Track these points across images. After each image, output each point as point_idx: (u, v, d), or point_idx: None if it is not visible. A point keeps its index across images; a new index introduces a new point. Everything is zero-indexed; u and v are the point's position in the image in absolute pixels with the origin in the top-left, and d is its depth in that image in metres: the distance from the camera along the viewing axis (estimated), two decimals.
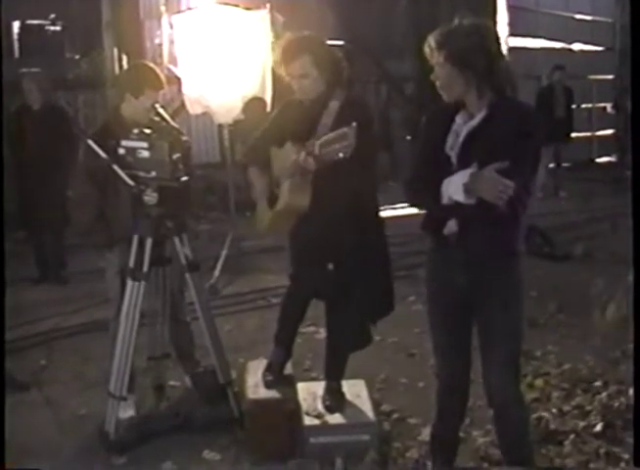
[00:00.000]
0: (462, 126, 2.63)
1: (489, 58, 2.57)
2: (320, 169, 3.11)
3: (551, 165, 10.31)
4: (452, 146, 2.62)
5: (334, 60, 3.36)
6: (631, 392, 3.70)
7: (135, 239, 3.41)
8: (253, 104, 6.43)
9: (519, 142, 2.52)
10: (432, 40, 2.59)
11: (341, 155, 2.93)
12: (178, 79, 6.77)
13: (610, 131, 14.24)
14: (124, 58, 9.01)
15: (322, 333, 4.03)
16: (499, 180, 2.39)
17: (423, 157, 2.74)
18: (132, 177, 3.38)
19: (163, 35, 8.23)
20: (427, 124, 2.77)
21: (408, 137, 10.57)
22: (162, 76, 3.89)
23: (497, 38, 2.67)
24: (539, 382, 4.07)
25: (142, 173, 3.36)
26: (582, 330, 4.87)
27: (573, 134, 10.77)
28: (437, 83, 2.62)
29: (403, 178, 2.78)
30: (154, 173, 3.33)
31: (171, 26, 7.35)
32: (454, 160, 2.62)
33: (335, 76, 3.33)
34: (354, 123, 2.89)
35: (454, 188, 2.51)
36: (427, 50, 2.61)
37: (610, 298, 5.06)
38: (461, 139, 2.62)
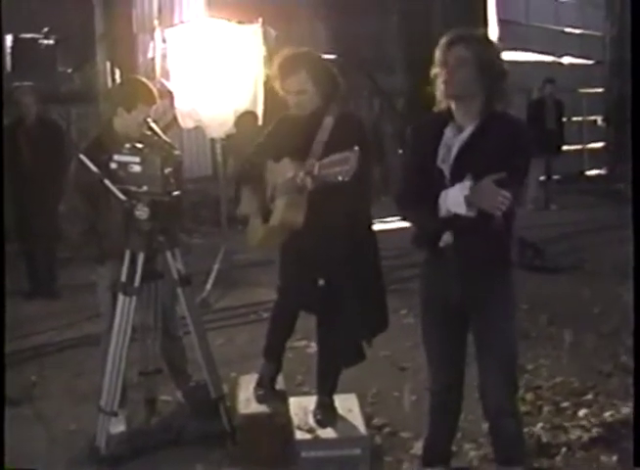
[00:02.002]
0: (453, 139, 2.65)
1: (500, 68, 2.63)
2: (317, 188, 3.12)
3: (542, 178, 10.38)
4: (444, 159, 2.64)
5: (330, 75, 3.38)
6: (624, 409, 3.72)
7: (127, 253, 3.41)
8: (245, 118, 6.45)
9: (510, 155, 2.55)
10: (451, 37, 2.63)
11: (340, 178, 2.92)
12: (170, 93, 6.77)
13: (600, 144, 14.35)
14: (117, 71, 9.03)
15: (314, 347, 4.02)
16: (498, 192, 2.42)
17: (414, 171, 2.76)
18: (124, 192, 3.38)
19: (156, 49, 8.23)
20: (415, 138, 2.79)
21: (400, 151, 10.61)
22: (155, 91, 3.91)
23: (500, 50, 2.75)
24: (530, 396, 4.06)
25: (134, 188, 3.36)
26: (574, 343, 4.87)
27: (564, 147, 10.88)
28: (447, 80, 2.61)
29: (395, 194, 2.80)
30: (145, 188, 3.33)
31: (164, 40, 7.35)
32: (447, 173, 2.64)
33: (331, 92, 3.35)
34: (356, 148, 2.89)
35: (453, 201, 2.53)
36: (444, 46, 2.63)
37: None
38: (454, 152, 2.64)
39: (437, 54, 2.65)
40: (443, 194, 2.56)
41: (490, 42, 2.72)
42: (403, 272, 6.08)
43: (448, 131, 2.67)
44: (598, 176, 13.59)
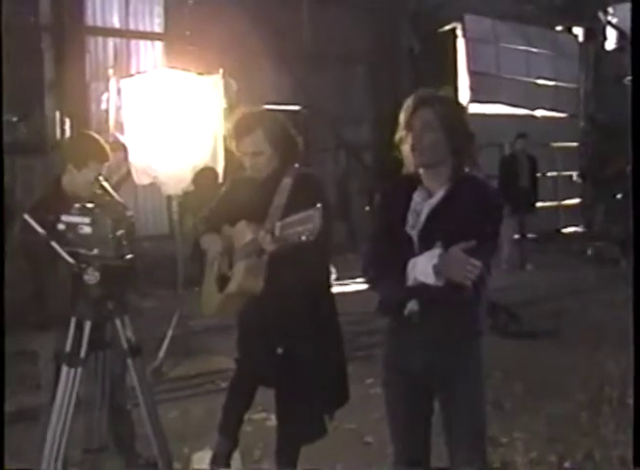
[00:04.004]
0: (422, 205, 2.71)
1: (468, 129, 2.71)
2: (276, 250, 3.12)
3: (516, 237, 10.52)
4: (413, 225, 2.70)
5: (288, 135, 3.44)
6: None
7: (73, 321, 3.38)
8: (204, 174, 6.50)
9: (480, 221, 2.62)
10: (416, 100, 2.70)
11: (303, 238, 2.91)
12: (124, 147, 6.80)
13: (576, 200, 14.60)
14: (67, 122, 9.04)
15: (273, 420, 3.98)
16: (467, 260, 2.47)
17: (382, 237, 2.80)
18: (72, 255, 3.37)
19: (110, 100, 8.29)
20: (383, 203, 2.85)
21: (367, 208, 10.72)
22: (107, 148, 3.93)
23: (467, 112, 2.84)
24: None
25: (83, 251, 3.34)
26: (551, 414, 4.89)
27: (539, 204, 11.05)
28: (414, 146, 2.68)
29: (361, 260, 2.83)
30: (96, 251, 3.32)
31: (119, 91, 7.41)
32: (415, 239, 2.69)
33: (288, 153, 3.41)
34: (319, 205, 2.90)
35: (421, 269, 2.57)
36: (409, 109, 2.70)
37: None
38: (422, 218, 2.69)
39: (402, 117, 2.72)
40: (411, 262, 2.60)
41: (457, 103, 2.82)
42: (369, 338, 6.09)
43: (417, 196, 2.73)
44: (575, 234, 13.80)
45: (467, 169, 2.78)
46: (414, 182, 2.75)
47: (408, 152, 2.70)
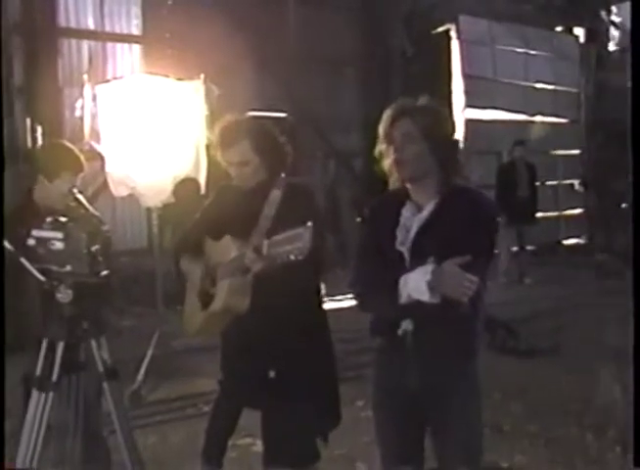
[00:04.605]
0: (411, 219, 2.72)
1: (451, 138, 2.74)
2: (264, 268, 3.11)
3: (514, 249, 10.55)
4: (403, 241, 2.70)
5: (276, 144, 3.44)
6: None
7: (44, 342, 3.36)
8: (185, 185, 6.49)
9: (474, 233, 2.63)
10: (395, 111, 2.71)
11: (292, 257, 2.89)
12: (101, 157, 6.79)
13: (578, 210, 14.63)
14: (39, 129, 9.01)
15: (259, 445, 3.96)
16: (463, 275, 2.47)
17: (371, 255, 2.80)
18: (44, 272, 3.35)
19: (85, 107, 8.28)
20: (371, 219, 2.86)
21: (358, 219, 10.72)
22: (82, 158, 3.92)
23: (455, 122, 2.85)
24: None
25: (55, 267, 3.33)
26: (553, 437, 4.89)
27: (538, 214, 11.09)
28: (396, 159, 2.69)
29: (350, 278, 2.83)
30: (69, 268, 3.31)
31: (94, 97, 7.41)
32: (406, 256, 2.70)
33: (277, 163, 3.41)
34: (310, 223, 2.88)
35: (415, 286, 2.57)
36: (387, 121, 2.71)
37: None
38: (412, 234, 2.70)
39: (381, 129, 2.73)
40: (403, 279, 2.60)
41: (438, 112, 2.79)
42: (361, 357, 6.07)
43: (406, 211, 2.74)
44: (576, 246, 13.83)
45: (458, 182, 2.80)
46: (402, 197, 2.77)
47: (391, 166, 2.71)
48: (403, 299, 2.60)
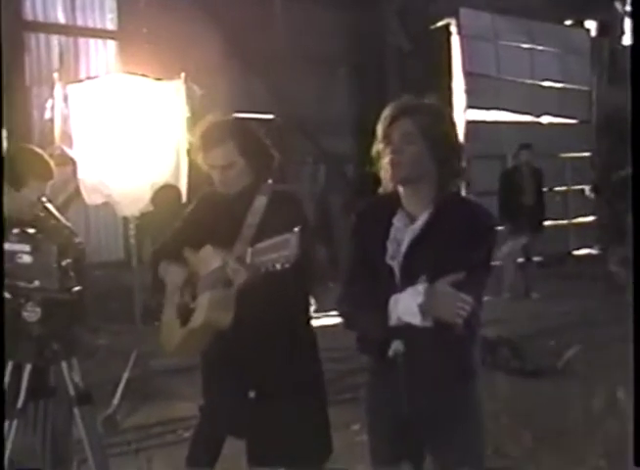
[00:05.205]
0: (403, 231, 2.72)
1: (454, 142, 2.74)
2: (248, 279, 3.10)
3: (520, 261, 10.55)
4: (394, 255, 2.70)
5: (262, 147, 3.45)
6: None
7: (9, 365, 3.35)
8: (165, 193, 6.50)
9: (469, 248, 2.62)
10: (395, 109, 2.72)
11: (278, 266, 2.89)
12: (73, 162, 6.78)
13: (589, 218, 14.63)
14: (4, 133, 8.98)
15: None
16: (457, 296, 2.47)
17: (359, 270, 2.80)
18: (9, 288, 3.35)
19: (56, 108, 8.27)
20: (359, 229, 2.85)
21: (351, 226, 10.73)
22: (52, 163, 3.92)
23: (455, 124, 2.86)
24: None
25: (22, 283, 3.34)
26: (564, 464, 4.89)
27: (546, 223, 11.09)
28: (392, 160, 2.69)
29: (337, 296, 2.83)
30: (37, 283, 3.32)
31: (66, 98, 7.40)
32: (397, 271, 2.70)
33: (262, 167, 3.42)
34: (297, 228, 2.87)
35: (405, 308, 2.57)
36: (386, 120, 2.72)
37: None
38: (404, 247, 2.70)
39: (379, 129, 2.74)
40: (393, 300, 2.60)
41: (441, 112, 2.81)
42: (355, 378, 6.07)
43: (397, 221, 2.74)
44: (588, 257, 13.83)
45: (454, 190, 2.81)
46: (393, 204, 2.77)
47: (386, 167, 2.71)
48: (393, 321, 2.60)
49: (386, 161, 2.71)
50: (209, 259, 3.27)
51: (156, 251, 3.64)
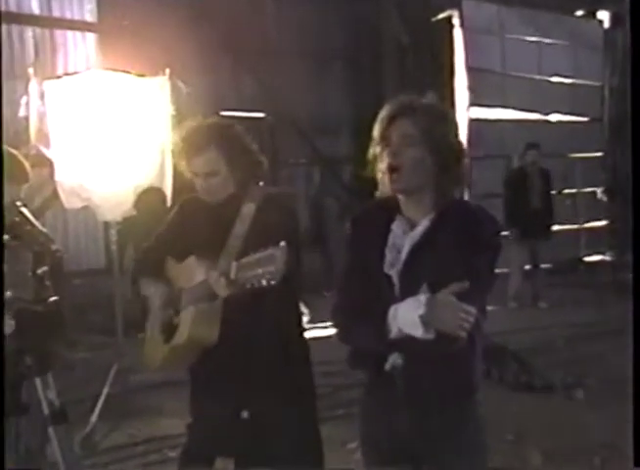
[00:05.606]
0: (402, 238, 2.71)
1: (456, 145, 2.73)
2: (234, 294, 3.10)
3: (527, 267, 10.56)
4: (393, 263, 2.69)
5: (249, 152, 3.45)
6: None
7: None
8: (149, 196, 6.49)
9: (472, 256, 2.62)
10: (393, 109, 2.71)
11: (264, 282, 2.89)
12: (50, 163, 6.76)
13: (602, 222, 14.65)
14: None
15: None
16: (459, 307, 2.46)
17: (356, 279, 2.79)
18: None
19: (31, 105, 8.26)
20: (355, 236, 2.84)
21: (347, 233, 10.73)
22: (27, 165, 3.90)
23: (458, 126, 2.85)
24: None
25: None
26: None
27: (554, 228, 11.09)
28: (391, 164, 2.68)
29: (331, 306, 2.82)
30: (10, 293, 3.29)
31: (42, 94, 7.39)
32: (396, 280, 2.69)
33: (249, 174, 3.41)
34: (283, 243, 2.86)
35: (406, 320, 2.56)
36: (385, 120, 2.71)
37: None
38: (403, 255, 2.69)
39: (377, 130, 2.73)
40: (392, 310, 2.59)
41: (442, 112, 2.80)
42: (351, 392, 6.05)
43: (396, 227, 2.73)
44: (600, 264, 13.83)
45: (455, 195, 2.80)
46: (392, 209, 2.76)
47: (384, 173, 2.70)
48: (393, 333, 2.59)
49: (384, 164, 2.70)
50: (193, 272, 3.27)
51: (135, 263, 3.64)
